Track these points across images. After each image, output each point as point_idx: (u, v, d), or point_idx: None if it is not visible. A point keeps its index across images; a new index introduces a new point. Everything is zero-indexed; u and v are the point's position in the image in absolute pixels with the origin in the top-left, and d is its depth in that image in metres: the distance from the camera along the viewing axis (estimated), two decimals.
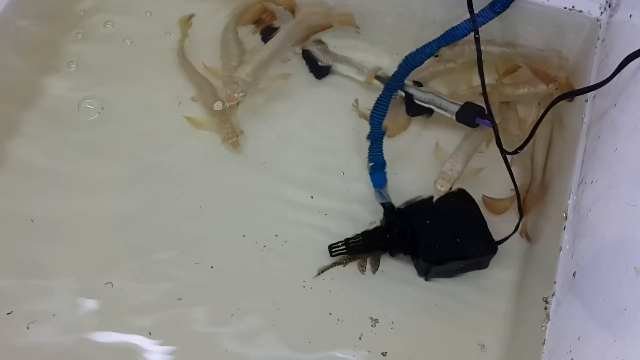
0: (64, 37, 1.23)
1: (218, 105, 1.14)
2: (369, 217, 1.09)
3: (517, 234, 1.03)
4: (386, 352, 0.99)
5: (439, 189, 1.01)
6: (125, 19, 1.26)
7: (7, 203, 1.07)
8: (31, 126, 1.14)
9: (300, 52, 1.23)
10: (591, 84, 1.05)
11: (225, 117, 1.14)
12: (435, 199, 1.01)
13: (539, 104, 1.16)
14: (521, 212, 1.02)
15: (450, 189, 1.02)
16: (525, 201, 1.05)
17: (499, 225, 1.04)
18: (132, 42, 1.23)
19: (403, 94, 1.15)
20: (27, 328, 0.98)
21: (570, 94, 0.95)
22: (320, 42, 1.23)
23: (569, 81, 1.15)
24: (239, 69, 1.10)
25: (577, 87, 1.10)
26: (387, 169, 1.10)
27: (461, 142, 1.06)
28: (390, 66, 1.18)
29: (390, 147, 1.13)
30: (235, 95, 1.07)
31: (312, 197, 1.11)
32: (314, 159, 1.15)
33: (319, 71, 1.22)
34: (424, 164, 1.14)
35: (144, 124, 1.16)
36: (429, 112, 1.15)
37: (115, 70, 1.21)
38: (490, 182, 1.09)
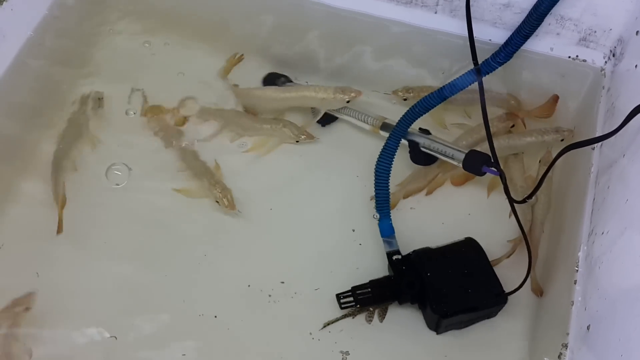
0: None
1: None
2: (378, 264, 1.08)
3: (526, 284, 1.02)
4: None
5: None
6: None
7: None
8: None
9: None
10: (598, 132, 1.06)
11: (214, 179, 1.14)
12: None
13: (539, 161, 1.17)
14: (530, 264, 1.01)
15: None
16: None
17: (506, 273, 1.03)
18: None
19: (407, 143, 1.15)
20: None
21: (579, 144, 0.95)
22: None
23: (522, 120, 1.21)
24: (322, 93, 1.18)
25: (583, 135, 1.11)
26: (397, 217, 1.09)
27: None
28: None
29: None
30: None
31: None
32: (322, 206, 1.15)
33: (324, 118, 1.23)
34: (432, 212, 1.14)
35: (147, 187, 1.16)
36: (434, 160, 1.15)
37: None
38: (488, 232, 1.09)
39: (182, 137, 1.20)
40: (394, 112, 1.17)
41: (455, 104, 1.21)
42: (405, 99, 1.23)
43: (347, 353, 1.00)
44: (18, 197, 1.12)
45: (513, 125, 1.20)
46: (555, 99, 1.19)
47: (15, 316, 0.97)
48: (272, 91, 1.24)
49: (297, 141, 1.19)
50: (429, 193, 1.16)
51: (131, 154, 1.18)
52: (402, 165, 1.16)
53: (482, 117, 1.06)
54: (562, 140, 1.15)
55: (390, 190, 1.10)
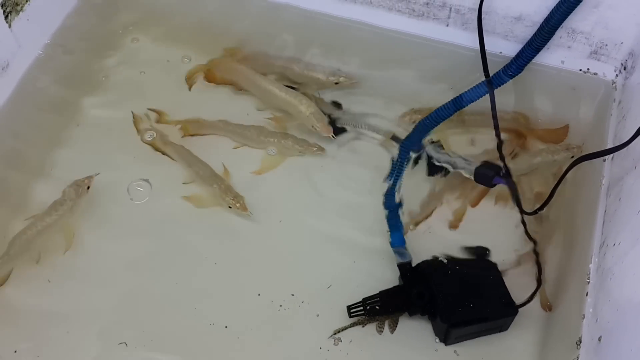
0: None
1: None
2: (389, 275, 1.07)
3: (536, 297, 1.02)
4: None
5: None
6: None
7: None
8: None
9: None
10: (609, 144, 1.06)
11: (224, 186, 1.14)
12: None
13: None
14: (540, 278, 1.01)
15: None
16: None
17: (518, 284, 1.03)
18: None
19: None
20: None
21: (590, 156, 0.95)
22: (337, 104, 1.24)
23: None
24: (303, 107, 1.18)
25: (594, 148, 1.11)
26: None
27: None
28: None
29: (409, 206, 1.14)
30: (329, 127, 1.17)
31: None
32: (333, 216, 1.15)
33: (334, 128, 1.23)
34: (443, 222, 1.14)
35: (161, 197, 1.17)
36: (445, 171, 1.16)
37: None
38: (496, 243, 1.09)
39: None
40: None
41: (460, 126, 1.21)
42: (414, 122, 1.22)
43: None
44: None
45: (573, 157, 1.17)
46: (567, 128, 1.20)
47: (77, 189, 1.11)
48: (266, 81, 1.24)
49: (300, 152, 1.19)
50: (454, 227, 1.14)
51: (151, 170, 1.18)
52: (414, 180, 1.16)
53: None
54: (572, 157, 1.15)
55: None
